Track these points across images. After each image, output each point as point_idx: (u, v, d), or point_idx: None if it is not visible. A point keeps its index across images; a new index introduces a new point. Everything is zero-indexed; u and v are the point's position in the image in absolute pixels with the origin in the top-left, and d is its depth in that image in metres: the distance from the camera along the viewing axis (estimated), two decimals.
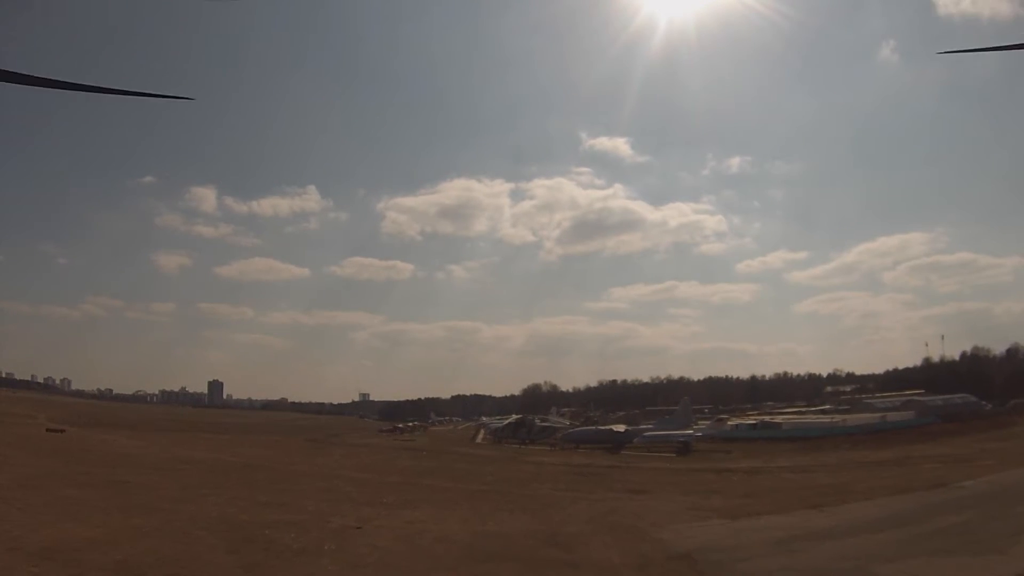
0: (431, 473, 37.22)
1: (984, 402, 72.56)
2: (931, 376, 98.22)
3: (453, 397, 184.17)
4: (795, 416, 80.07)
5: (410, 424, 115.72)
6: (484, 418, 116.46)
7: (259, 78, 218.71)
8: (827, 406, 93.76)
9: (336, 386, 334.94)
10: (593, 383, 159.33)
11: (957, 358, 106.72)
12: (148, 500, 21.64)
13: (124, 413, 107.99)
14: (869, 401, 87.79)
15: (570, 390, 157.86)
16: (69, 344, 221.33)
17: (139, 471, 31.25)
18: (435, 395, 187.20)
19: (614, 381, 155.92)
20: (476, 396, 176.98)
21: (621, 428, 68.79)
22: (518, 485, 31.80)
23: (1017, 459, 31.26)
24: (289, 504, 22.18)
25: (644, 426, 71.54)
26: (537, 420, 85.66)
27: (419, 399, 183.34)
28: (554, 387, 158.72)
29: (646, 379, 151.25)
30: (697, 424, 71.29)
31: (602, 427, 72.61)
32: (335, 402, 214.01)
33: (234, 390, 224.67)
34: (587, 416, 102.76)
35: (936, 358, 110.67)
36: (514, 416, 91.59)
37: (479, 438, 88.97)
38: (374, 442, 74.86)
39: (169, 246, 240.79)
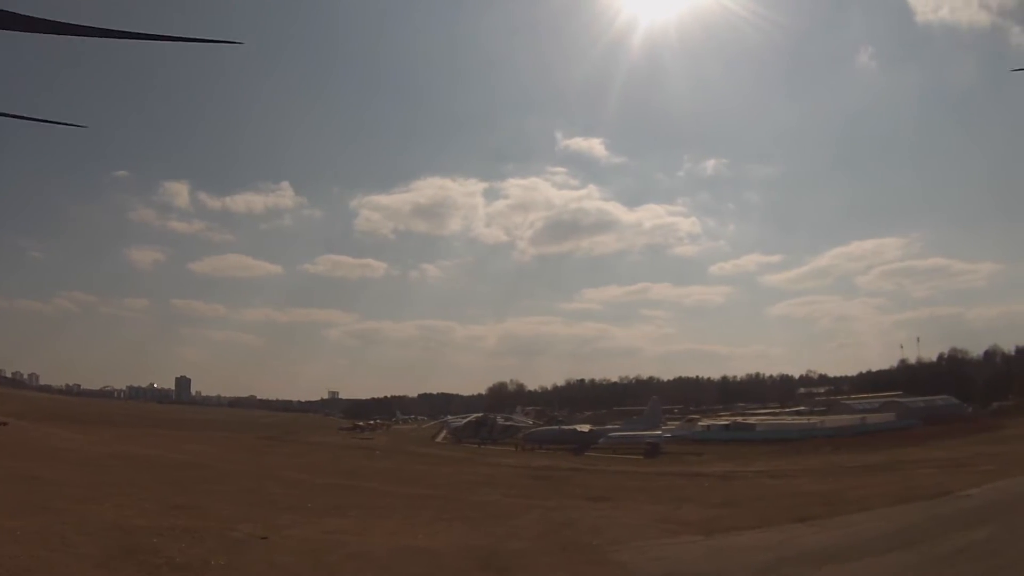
0: (377, 475, 35.70)
1: (966, 404, 72.02)
2: (907, 378, 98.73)
3: (420, 396, 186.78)
4: (769, 417, 79.44)
5: (372, 422, 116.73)
6: (450, 417, 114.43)
7: (235, 73, 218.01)
8: (802, 407, 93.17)
9: (307, 384, 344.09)
10: (561, 382, 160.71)
11: (932, 361, 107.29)
12: (47, 499, 19.87)
13: (85, 408, 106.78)
14: (847, 403, 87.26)
15: (537, 389, 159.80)
16: (41, 339, 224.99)
17: (60, 467, 29.96)
18: (406, 394, 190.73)
19: (582, 380, 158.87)
20: (443, 395, 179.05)
21: (586, 428, 67.80)
22: (467, 490, 29.68)
23: (1019, 464, 29.20)
24: (202, 507, 20.50)
25: (610, 426, 70.17)
26: (500, 419, 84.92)
27: (386, 397, 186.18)
28: (521, 386, 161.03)
29: (615, 379, 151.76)
30: (666, 425, 70.05)
31: (566, 427, 71.63)
32: (305, 400, 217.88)
33: (205, 387, 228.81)
34: (551, 415, 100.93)
35: (912, 360, 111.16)
36: (474, 415, 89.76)
37: (440, 437, 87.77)
38: (330, 440, 73.70)
39: (143, 241, 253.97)
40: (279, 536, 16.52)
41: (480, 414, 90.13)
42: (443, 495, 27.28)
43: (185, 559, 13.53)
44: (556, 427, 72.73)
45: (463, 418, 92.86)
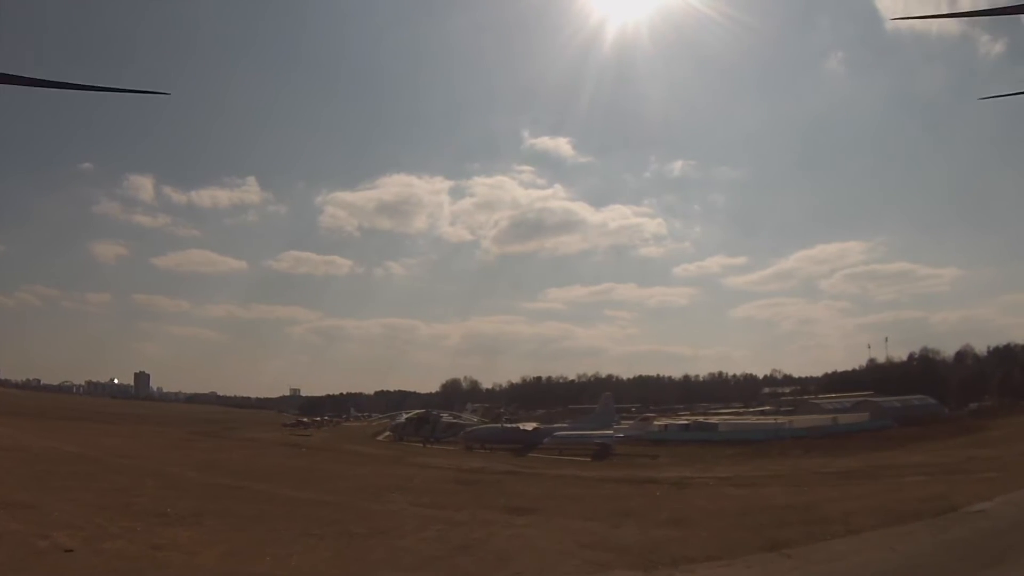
0: (282, 475, 33.67)
1: (941, 404, 70.70)
2: (875, 378, 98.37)
3: (376, 393, 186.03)
4: (733, 417, 77.64)
5: (318, 419, 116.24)
6: (404, 414, 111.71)
7: (200, 68, 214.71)
8: (767, 407, 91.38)
9: (269, 380, 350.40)
10: (516, 380, 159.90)
11: (902, 361, 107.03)
12: None
13: (29, 402, 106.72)
14: (816, 402, 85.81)
15: (493, 387, 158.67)
16: (1, 333, 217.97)
17: None
18: (365, 391, 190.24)
19: (539, 378, 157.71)
20: (400, 392, 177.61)
21: (530, 427, 64.76)
22: (371, 496, 26.31)
23: None
24: (39, 507, 19.28)
25: (559, 425, 66.93)
26: (446, 416, 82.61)
27: (341, 394, 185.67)
28: (475, 383, 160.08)
29: (573, 377, 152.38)
30: (620, 424, 66.72)
31: (508, 425, 68.57)
32: (265, 396, 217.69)
33: (166, 383, 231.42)
34: (496, 413, 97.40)
35: (881, 360, 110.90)
36: (414, 412, 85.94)
37: (383, 435, 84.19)
38: (265, 436, 72.88)
39: (106, 235, 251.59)
40: (91, 549, 14.78)
41: (422, 411, 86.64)
42: (338, 502, 24.48)
43: None
44: (498, 425, 69.49)
45: (403, 414, 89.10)
